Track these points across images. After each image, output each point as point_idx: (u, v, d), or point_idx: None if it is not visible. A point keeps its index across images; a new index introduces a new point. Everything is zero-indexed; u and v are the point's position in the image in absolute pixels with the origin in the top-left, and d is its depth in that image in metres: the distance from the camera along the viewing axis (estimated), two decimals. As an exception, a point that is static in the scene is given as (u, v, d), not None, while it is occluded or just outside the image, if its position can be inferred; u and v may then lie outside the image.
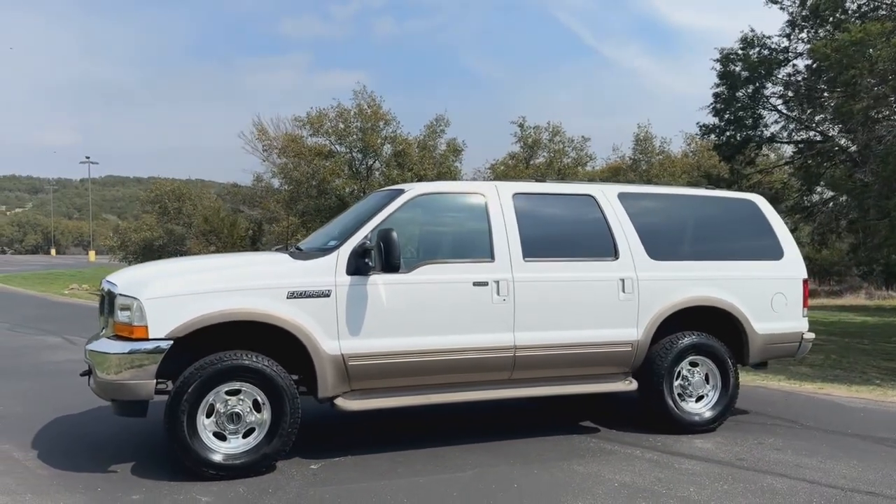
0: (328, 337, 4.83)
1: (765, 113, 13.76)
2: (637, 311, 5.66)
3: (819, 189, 15.26)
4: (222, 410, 4.63)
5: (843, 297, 27.07)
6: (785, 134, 13.96)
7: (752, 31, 13.33)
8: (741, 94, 13.34)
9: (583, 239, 5.75)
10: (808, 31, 12.54)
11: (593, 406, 6.73)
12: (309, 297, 4.81)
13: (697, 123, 14.32)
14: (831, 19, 11.91)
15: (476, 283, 5.22)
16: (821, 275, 35.53)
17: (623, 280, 5.63)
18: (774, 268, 6.20)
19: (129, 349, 4.49)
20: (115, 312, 4.68)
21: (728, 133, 13.71)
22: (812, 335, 6.38)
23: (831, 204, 14.79)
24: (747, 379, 8.58)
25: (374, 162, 23.57)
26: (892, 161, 10.07)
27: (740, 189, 15.74)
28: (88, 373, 4.85)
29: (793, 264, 6.27)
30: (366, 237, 5.02)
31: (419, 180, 22.02)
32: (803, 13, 12.44)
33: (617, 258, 5.67)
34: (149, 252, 32.93)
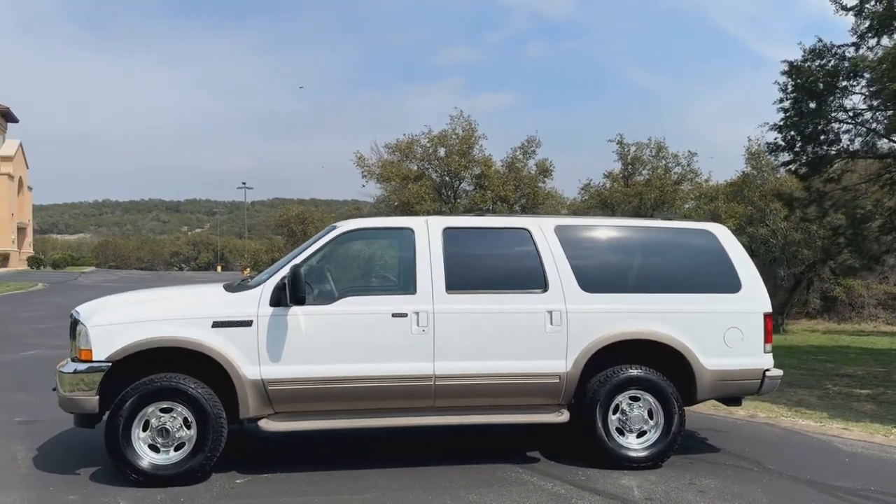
0: (250, 363, 5.33)
1: (840, 126, 12.74)
2: (566, 343, 5.67)
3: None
4: (155, 425, 5.25)
5: None
6: (865, 149, 12.81)
7: (820, 40, 12.42)
8: (811, 107, 12.45)
9: (512, 272, 5.86)
10: (874, 39, 11.52)
11: (553, 438, 6.66)
12: (232, 325, 5.34)
13: (766, 144, 13.45)
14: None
15: (395, 315, 5.51)
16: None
17: (551, 312, 5.67)
18: (730, 301, 5.94)
19: (76, 369, 5.24)
20: (76, 337, 5.46)
21: (797, 149, 12.81)
22: (779, 372, 6.03)
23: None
24: (771, 414, 8.05)
25: (461, 185, 24.13)
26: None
27: (821, 209, 14.58)
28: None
29: (752, 297, 5.98)
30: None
31: (500, 202, 22.26)
32: (865, 25, 11.42)
33: (546, 290, 5.73)
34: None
